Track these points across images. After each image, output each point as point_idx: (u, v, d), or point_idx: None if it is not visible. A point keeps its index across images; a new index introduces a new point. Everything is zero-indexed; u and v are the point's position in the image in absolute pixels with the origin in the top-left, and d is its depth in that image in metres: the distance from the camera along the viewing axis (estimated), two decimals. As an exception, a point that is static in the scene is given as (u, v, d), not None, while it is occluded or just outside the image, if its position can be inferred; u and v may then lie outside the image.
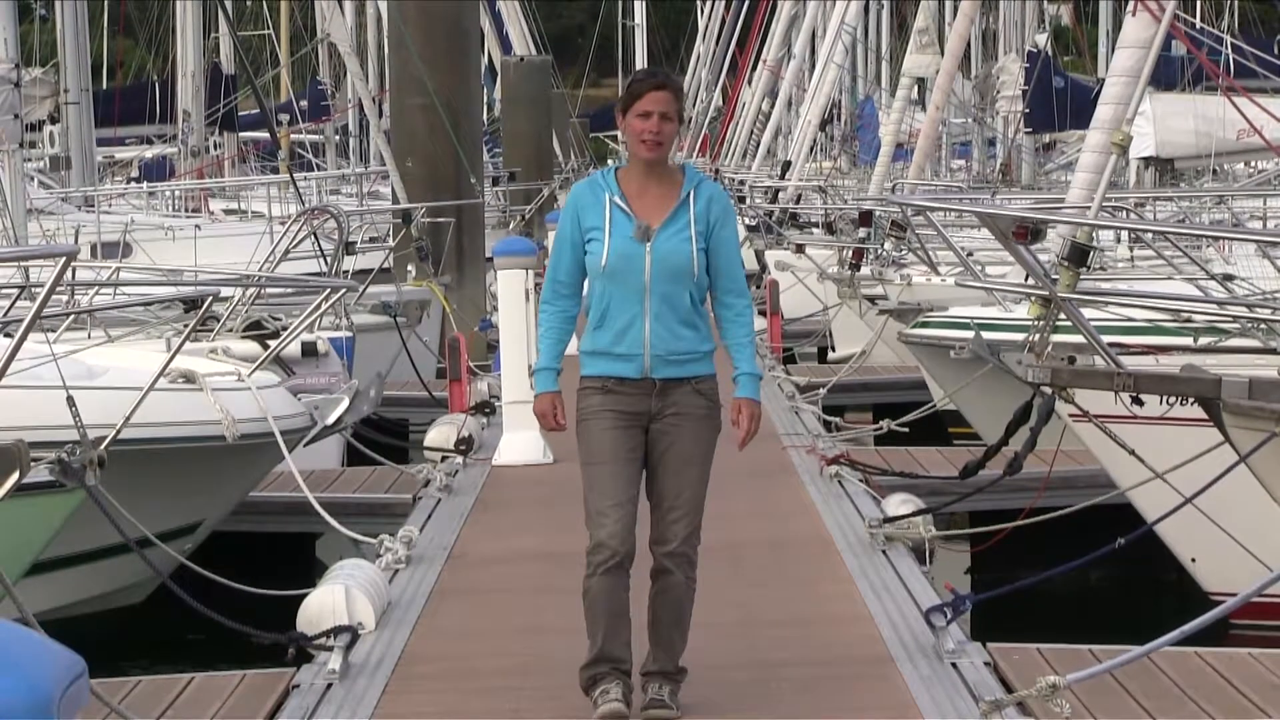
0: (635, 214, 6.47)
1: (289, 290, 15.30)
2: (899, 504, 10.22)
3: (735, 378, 6.58)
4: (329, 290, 12.98)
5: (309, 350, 14.48)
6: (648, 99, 6.48)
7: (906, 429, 14.69)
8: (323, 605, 8.08)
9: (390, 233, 21.88)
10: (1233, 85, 18.66)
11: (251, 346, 13.31)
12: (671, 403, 6.50)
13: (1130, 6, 12.76)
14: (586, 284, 6.62)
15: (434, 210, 21.40)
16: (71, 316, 12.54)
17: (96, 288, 13.89)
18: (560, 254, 6.58)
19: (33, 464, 7.82)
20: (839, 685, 7.24)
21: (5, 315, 10.15)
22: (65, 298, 13.16)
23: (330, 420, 11.44)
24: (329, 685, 7.33)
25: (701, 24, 61.11)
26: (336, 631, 7.77)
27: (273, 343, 13.05)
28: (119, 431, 9.18)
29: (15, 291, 10.42)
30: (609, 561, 6.41)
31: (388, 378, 14.79)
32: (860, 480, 11.68)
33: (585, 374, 6.57)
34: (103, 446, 8.55)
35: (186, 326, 11.16)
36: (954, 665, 7.36)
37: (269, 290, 14.94)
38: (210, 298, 11.86)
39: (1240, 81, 20.03)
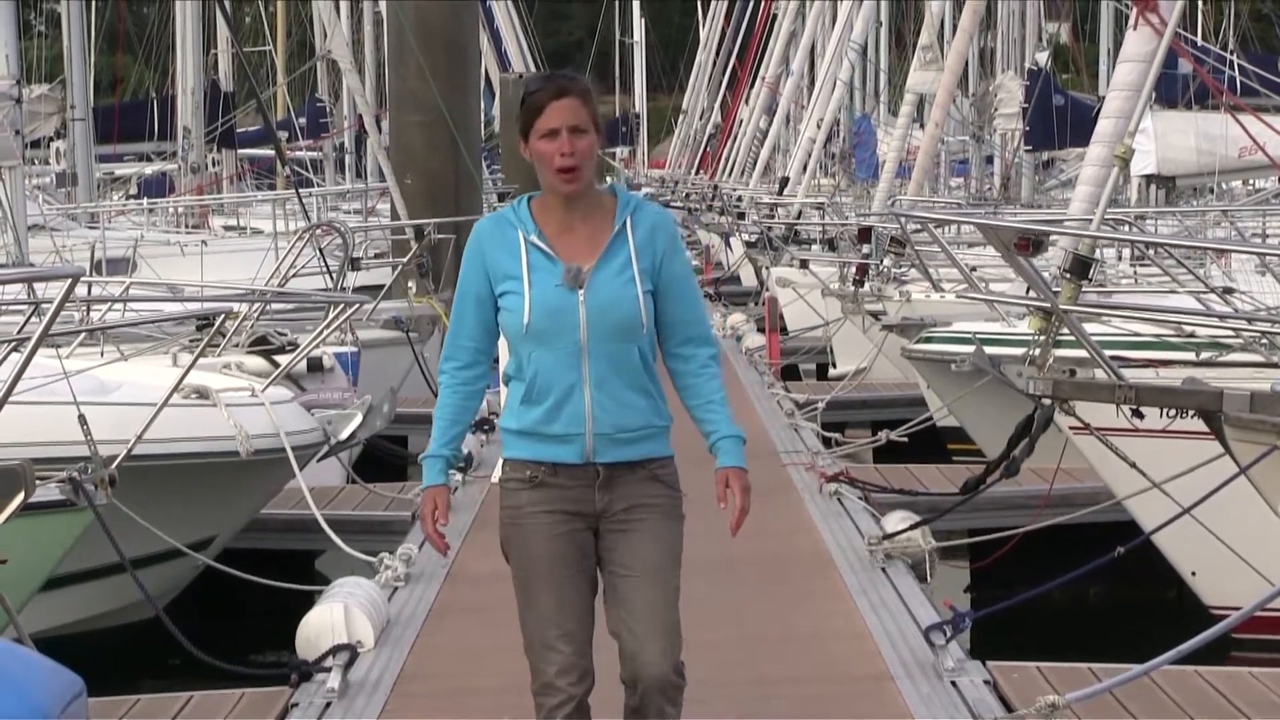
0: (560, 255, 4.99)
1: (294, 306, 15.32)
2: (898, 521, 10.22)
3: (714, 444, 5.10)
4: (343, 305, 12.97)
5: (314, 365, 14.45)
6: (549, 113, 4.97)
7: (906, 439, 14.69)
8: (322, 623, 8.09)
9: (391, 249, 21.84)
10: (1237, 103, 18.65)
11: (259, 362, 13.32)
12: (622, 496, 5.02)
13: (1131, 20, 12.76)
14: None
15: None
16: (83, 333, 12.55)
17: (109, 304, 13.89)
18: (462, 314, 5.08)
19: (44, 482, 7.86)
20: (838, 703, 7.25)
21: (19, 333, 10.16)
22: (79, 315, 13.18)
23: (343, 436, 11.45)
24: (328, 704, 7.34)
25: (703, 35, 61.10)
26: (336, 650, 7.77)
27: (279, 357, 13.03)
28: (130, 450, 9.18)
29: (25, 309, 10.44)
30: (564, 708, 5.01)
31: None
32: (860, 497, 11.68)
33: (510, 456, 5.10)
34: (114, 465, 8.57)
35: (200, 343, 11.18)
36: (953, 683, 7.36)
37: (273, 305, 14.96)
38: (224, 314, 11.86)
39: (1241, 99, 20.02)
